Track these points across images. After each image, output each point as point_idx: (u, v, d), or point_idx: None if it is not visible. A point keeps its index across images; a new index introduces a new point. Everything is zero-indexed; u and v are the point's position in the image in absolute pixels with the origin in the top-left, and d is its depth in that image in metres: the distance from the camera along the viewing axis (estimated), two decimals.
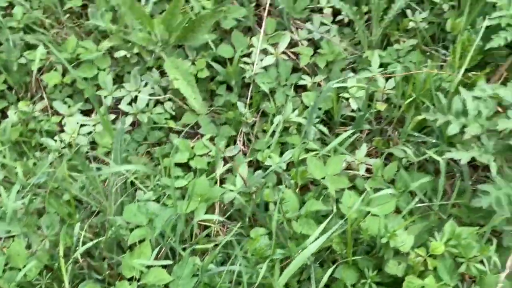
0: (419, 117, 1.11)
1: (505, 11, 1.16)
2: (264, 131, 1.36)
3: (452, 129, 0.94)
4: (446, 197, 1.08)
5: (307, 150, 1.25)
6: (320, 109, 1.33)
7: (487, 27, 1.19)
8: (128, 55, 1.47)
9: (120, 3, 1.30)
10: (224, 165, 1.29)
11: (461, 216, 1.03)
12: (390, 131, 1.25)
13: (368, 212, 0.99)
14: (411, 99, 1.15)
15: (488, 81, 1.26)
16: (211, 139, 1.36)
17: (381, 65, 1.35)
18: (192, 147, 1.30)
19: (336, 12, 1.49)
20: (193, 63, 1.43)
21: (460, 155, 0.93)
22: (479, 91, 0.97)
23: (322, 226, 0.95)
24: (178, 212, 1.01)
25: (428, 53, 1.37)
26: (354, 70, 1.42)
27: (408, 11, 1.41)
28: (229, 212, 1.14)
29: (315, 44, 1.48)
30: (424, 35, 1.37)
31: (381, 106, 1.28)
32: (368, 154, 1.30)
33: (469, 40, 1.19)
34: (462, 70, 1.11)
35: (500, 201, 0.92)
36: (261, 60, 1.42)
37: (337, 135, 1.29)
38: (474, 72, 1.14)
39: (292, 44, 1.50)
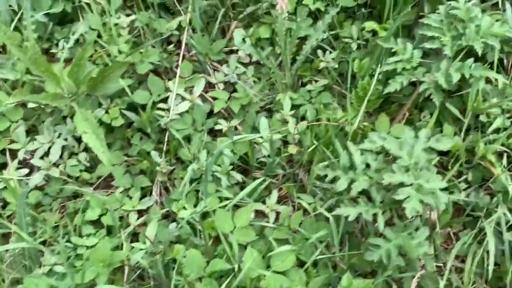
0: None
1: (401, 55, 1.20)
2: (183, 179, 1.35)
3: (341, 185, 0.96)
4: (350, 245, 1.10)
5: (221, 199, 1.25)
6: (235, 153, 1.33)
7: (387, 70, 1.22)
8: (42, 105, 1.43)
9: (22, 58, 1.26)
10: (138, 218, 1.27)
11: (361, 265, 1.05)
12: (301, 175, 1.26)
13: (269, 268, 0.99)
14: (313, 146, 1.17)
15: (393, 121, 1.29)
16: (127, 190, 1.34)
17: (293, 107, 1.37)
18: (104, 202, 1.27)
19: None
20: (106, 112, 1.41)
21: (347, 211, 0.94)
22: (368, 143, 0.99)
23: (223, 287, 0.95)
24: (75, 282, 0.98)
25: (339, 93, 1.39)
26: (270, 111, 1.43)
27: (319, 51, 1.43)
28: (137, 273, 1.12)
29: (233, 86, 1.49)
30: (333, 76, 1.39)
31: (292, 149, 1.29)
32: (285, 197, 1.32)
33: (369, 84, 1.21)
34: (359, 117, 1.13)
35: (390, 253, 0.94)
36: (177, 105, 1.41)
37: (255, 178, 1.30)
38: (365, 124, 1.15)
39: (212, 85, 1.50)
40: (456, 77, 1.10)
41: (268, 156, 1.27)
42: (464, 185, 1.20)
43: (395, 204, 0.92)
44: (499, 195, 1.13)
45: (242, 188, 1.26)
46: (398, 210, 0.97)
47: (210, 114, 1.44)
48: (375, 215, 0.94)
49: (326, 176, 1.05)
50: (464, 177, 1.21)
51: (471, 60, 1.13)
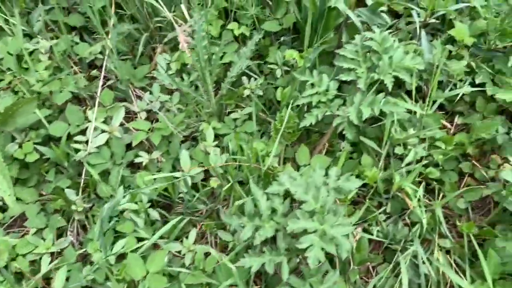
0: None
1: (317, 88, 1.17)
2: None
3: (245, 234, 0.93)
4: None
5: (139, 239, 1.20)
6: (156, 189, 1.28)
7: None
8: None
9: None
10: (53, 260, 1.21)
11: None
12: (221, 210, 1.23)
13: None
14: (229, 185, 1.13)
15: (313, 152, 1.27)
16: (41, 230, 1.27)
17: (219, 135, 1.33)
18: (14, 246, 1.20)
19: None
20: (20, 147, 1.33)
21: (250, 262, 0.91)
22: (276, 186, 0.96)
23: None
24: None
25: (264, 121, 1.36)
26: (196, 139, 1.39)
27: (244, 78, 1.40)
28: None
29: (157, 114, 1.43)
30: (258, 103, 1.36)
31: (214, 183, 1.25)
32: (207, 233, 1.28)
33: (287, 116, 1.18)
34: (273, 152, 1.11)
35: None
36: (95, 137, 1.34)
37: (178, 214, 1.25)
38: (275, 166, 1.12)
39: (136, 112, 1.44)
40: (366, 113, 1.08)
41: (187, 192, 1.23)
42: (384, 216, 1.20)
43: (300, 251, 0.90)
44: (416, 227, 1.13)
45: (165, 223, 1.22)
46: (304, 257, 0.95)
47: (132, 144, 1.38)
48: (279, 264, 0.91)
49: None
50: (383, 208, 1.20)
51: (381, 95, 1.11)
